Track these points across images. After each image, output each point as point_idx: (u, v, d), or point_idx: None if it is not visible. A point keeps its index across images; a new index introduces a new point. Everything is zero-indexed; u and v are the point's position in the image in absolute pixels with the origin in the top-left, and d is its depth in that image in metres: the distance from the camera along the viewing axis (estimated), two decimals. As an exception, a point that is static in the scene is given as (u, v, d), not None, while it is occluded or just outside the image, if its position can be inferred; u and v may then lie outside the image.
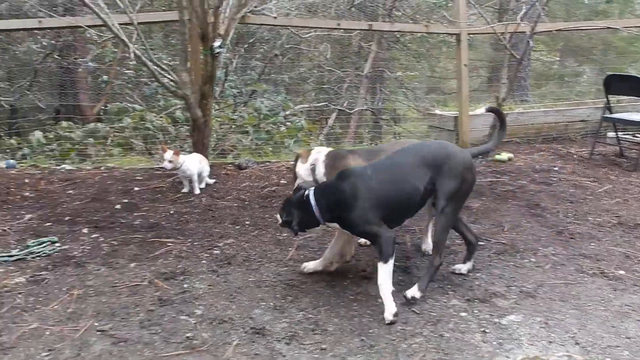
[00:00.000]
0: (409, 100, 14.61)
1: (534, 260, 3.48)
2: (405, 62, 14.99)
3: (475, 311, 2.84)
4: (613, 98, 6.33)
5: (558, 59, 17.61)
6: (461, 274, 3.28)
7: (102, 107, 10.76)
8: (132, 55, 4.37)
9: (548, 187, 5.07)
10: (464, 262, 3.34)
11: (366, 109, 12.00)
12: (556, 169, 5.75)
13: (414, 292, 2.93)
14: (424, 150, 3.11)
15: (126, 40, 4.42)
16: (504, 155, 6.06)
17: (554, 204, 4.59)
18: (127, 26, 5.24)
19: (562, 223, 4.14)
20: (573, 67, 16.33)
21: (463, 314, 2.82)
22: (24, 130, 10.96)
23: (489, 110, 3.61)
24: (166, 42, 11.48)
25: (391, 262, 2.84)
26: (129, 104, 9.74)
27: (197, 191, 4.81)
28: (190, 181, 4.82)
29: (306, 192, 2.96)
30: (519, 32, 6.03)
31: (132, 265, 3.37)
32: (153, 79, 9.87)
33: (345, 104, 11.61)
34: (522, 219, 4.23)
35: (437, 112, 7.38)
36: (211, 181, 5.11)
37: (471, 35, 6.85)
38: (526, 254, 3.57)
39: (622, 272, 3.31)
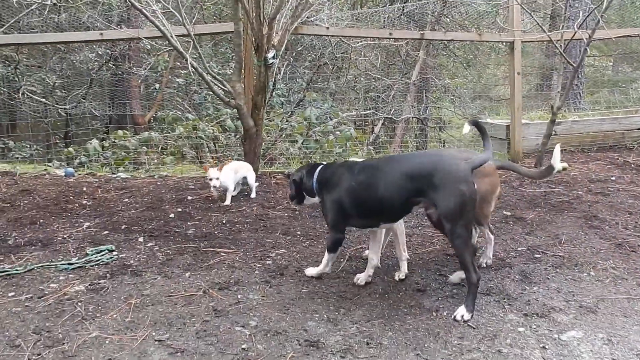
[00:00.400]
0: (456, 107, 14.45)
1: (593, 274, 3.37)
2: (453, 69, 14.83)
3: (534, 326, 2.77)
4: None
5: (611, 63, 17.06)
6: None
7: (153, 115, 11.09)
8: (189, 67, 4.47)
9: (605, 198, 4.90)
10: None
11: (412, 117, 11.91)
12: (613, 178, 5.56)
13: (462, 312, 2.87)
14: (413, 161, 3.10)
15: (183, 52, 4.53)
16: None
17: (612, 215, 4.44)
18: (182, 37, 5.39)
19: (621, 235, 4.00)
20: (627, 73, 15.78)
21: (521, 329, 2.75)
22: (78, 138, 11.42)
23: (472, 123, 3.37)
24: (215, 51, 11.73)
25: (331, 255, 3.28)
26: (179, 112, 10.01)
27: (229, 202, 4.83)
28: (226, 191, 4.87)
29: (319, 166, 3.38)
30: (575, 39, 5.86)
31: (187, 274, 3.44)
32: (203, 87, 10.15)
33: (392, 112, 11.57)
34: (579, 231, 4.11)
35: (488, 120, 7.25)
36: (256, 184, 5.14)
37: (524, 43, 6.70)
38: (585, 267, 3.46)
39: (689, 288, 3.17)
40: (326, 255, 3.32)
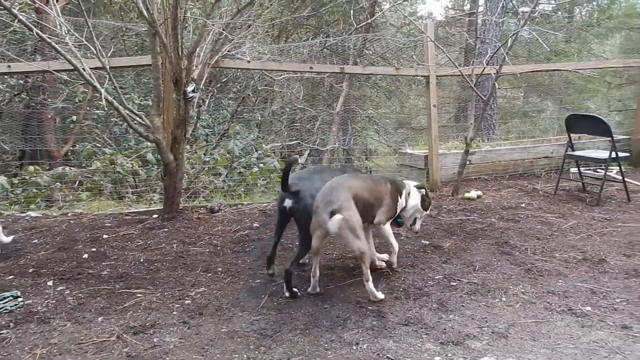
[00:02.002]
0: (380, 136, 14.86)
1: (505, 300, 3.52)
2: (376, 100, 15.30)
3: (450, 354, 2.84)
4: (575, 135, 6.56)
5: (522, 95, 18.14)
6: None
7: (70, 149, 10.62)
8: (103, 101, 4.34)
9: (516, 225, 5.17)
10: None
11: (338, 147, 12.12)
12: (523, 205, 5.87)
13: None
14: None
15: (98, 85, 4.40)
16: (473, 193, 6.17)
17: (522, 241, 4.68)
18: (98, 70, 5.24)
19: (530, 260, 4.21)
20: (536, 104, 16.85)
21: (437, 358, 2.81)
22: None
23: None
24: (137, 81, 11.48)
25: None
26: (98, 145, 9.64)
27: None
28: None
29: None
30: (485, 73, 6.21)
31: (100, 319, 3.28)
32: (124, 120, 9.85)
33: (317, 142, 11.73)
34: (492, 257, 4.29)
35: (408, 151, 7.49)
36: (8, 239, 4.43)
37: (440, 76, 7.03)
38: (497, 293, 3.61)
39: (588, 308, 3.37)
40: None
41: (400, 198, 3.96)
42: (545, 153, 7.56)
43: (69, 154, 10.78)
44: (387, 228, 3.93)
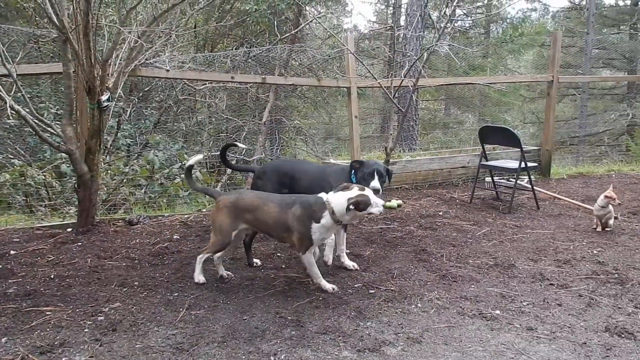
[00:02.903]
0: (308, 147, 14.98)
1: (420, 306, 3.63)
2: (303, 110, 15.42)
3: (366, 362, 2.90)
4: (490, 146, 6.90)
5: (443, 107, 18.90)
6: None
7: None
8: (8, 110, 4.12)
9: (434, 232, 5.36)
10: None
11: (265, 157, 12.10)
12: (441, 213, 6.10)
13: None
14: None
15: (3, 93, 4.17)
16: (394, 202, 6.29)
17: (438, 248, 4.85)
18: (4, 77, 4.99)
19: (445, 267, 4.38)
20: (457, 116, 17.61)
21: (352, 366, 2.86)
22: None
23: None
24: (55, 89, 10.98)
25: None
26: (10, 157, 9.11)
27: None
28: None
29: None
30: (403, 85, 6.41)
31: (4, 340, 3.09)
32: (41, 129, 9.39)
33: (243, 152, 11.65)
34: (409, 265, 4.42)
35: (332, 161, 7.59)
36: None
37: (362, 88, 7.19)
38: (413, 300, 3.72)
39: (498, 311, 3.54)
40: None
41: None
42: (462, 163, 7.90)
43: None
44: None
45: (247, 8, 11.88)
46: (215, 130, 12.78)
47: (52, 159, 7.19)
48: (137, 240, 5.00)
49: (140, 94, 11.01)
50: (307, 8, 13.75)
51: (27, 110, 4.66)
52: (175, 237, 5.15)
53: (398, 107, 6.19)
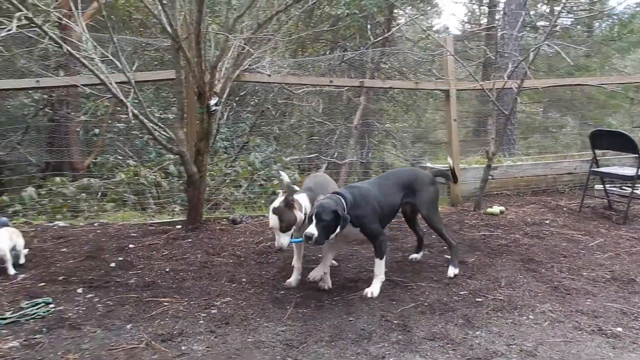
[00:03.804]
0: (398, 151, 14.87)
1: (532, 318, 3.48)
2: (393, 113, 15.33)
3: (477, 371, 2.83)
4: (599, 151, 6.50)
5: (541, 109, 18.06)
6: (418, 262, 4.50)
7: (93, 161, 10.78)
8: (130, 115, 4.42)
9: (541, 241, 5.12)
10: (417, 252, 4.61)
11: (356, 160, 12.16)
12: (547, 222, 5.83)
13: (452, 271, 4.18)
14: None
15: (124, 99, 4.48)
16: (496, 209, 6.14)
17: (548, 258, 4.63)
18: (123, 84, 5.34)
19: (557, 278, 4.17)
20: (556, 119, 16.75)
21: (465, 375, 2.80)
22: (12, 185, 10.91)
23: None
24: (157, 95, 11.65)
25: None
26: (120, 158, 9.76)
27: (12, 271, 4.19)
28: (3, 261, 4.21)
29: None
30: (505, 88, 6.21)
31: (129, 326, 3.32)
32: (145, 132, 9.99)
33: (335, 155, 11.77)
34: (517, 274, 4.25)
35: (428, 165, 7.49)
36: (25, 251, 4.51)
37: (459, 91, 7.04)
38: (524, 311, 3.58)
39: (619, 329, 3.32)
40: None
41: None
42: (568, 169, 7.50)
43: (91, 165, 10.95)
44: None
45: (339, 12, 12.00)
46: (308, 133, 13.02)
47: (161, 160, 7.63)
48: (242, 239, 5.19)
49: (237, 98, 11.43)
50: (398, 10, 13.69)
51: (143, 114, 4.96)
52: (277, 236, 5.28)
53: (502, 110, 6.00)
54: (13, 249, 4.29)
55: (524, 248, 4.91)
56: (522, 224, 5.74)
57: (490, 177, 6.46)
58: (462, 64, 6.74)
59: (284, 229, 3.59)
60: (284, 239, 3.60)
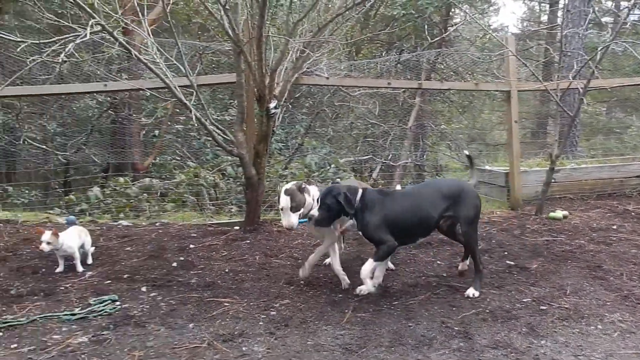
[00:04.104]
0: (452, 152, 14.62)
1: (601, 327, 3.34)
2: (449, 114, 15.08)
3: (544, 383, 2.74)
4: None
5: (604, 109, 17.34)
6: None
7: (152, 161, 11.15)
8: (193, 118, 4.53)
9: (608, 247, 4.91)
10: (462, 261, 4.25)
11: (410, 162, 12.03)
12: (615, 227, 5.57)
13: (472, 291, 3.85)
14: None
15: (188, 103, 4.60)
16: (559, 213, 5.92)
17: (616, 265, 4.43)
18: (184, 87, 5.48)
19: (626, 286, 3.98)
20: (620, 119, 16.03)
21: (530, 386, 2.72)
22: (76, 184, 11.42)
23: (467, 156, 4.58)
24: (213, 97, 11.91)
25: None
26: (177, 159, 10.04)
27: (80, 269, 4.34)
28: (72, 258, 4.37)
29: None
30: (571, 88, 5.99)
31: (191, 325, 3.40)
32: (202, 133, 10.24)
33: (389, 157, 11.68)
34: (583, 282, 4.09)
35: (487, 167, 7.31)
36: (92, 249, 4.65)
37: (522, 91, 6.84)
38: (592, 320, 3.44)
39: (696, 342, 3.14)
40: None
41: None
42: (636, 172, 7.14)
43: (151, 166, 11.32)
44: None
45: (395, 13, 11.89)
46: (361, 134, 12.98)
47: (219, 162, 7.79)
48: (299, 241, 5.22)
49: (292, 100, 11.53)
50: (454, 9, 13.44)
51: (204, 117, 5.07)
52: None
53: (566, 111, 5.79)
54: (81, 247, 4.47)
55: (590, 254, 4.71)
56: (587, 229, 5.51)
57: (553, 180, 6.24)
58: (524, 64, 6.54)
59: (294, 209, 3.79)
60: (294, 218, 3.80)
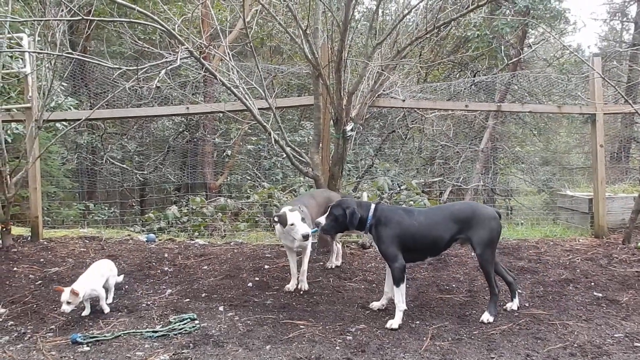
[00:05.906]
0: (525, 175, 14.12)
1: None
2: (522, 137, 14.60)
3: None
4: None
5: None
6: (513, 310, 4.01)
7: (224, 180, 11.48)
8: (272, 141, 4.62)
9: None
10: (512, 300, 4.07)
11: (482, 185, 11.73)
12: None
13: (487, 317, 3.80)
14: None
15: (267, 126, 4.70)
16: None
17: None
18: (261, 109, 5.61)
19: None
20: None
21: None
22: (152, 202, 11.89)
23: None
24: (282, 118, 12.13)
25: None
26: (248, 178, 10.25)
27: (107, 310, 3.99)
28: (98, 300, 4.00)
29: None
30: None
31: (268, 347, 3.41)
32: (272, 153, 10.45)
33: (461, 179, 11.44)
34: (683, 318, 3.80)
35: (568, 192, 7.00)
36: (120, 278, 4.43)
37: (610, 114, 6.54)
38: (697, 363, 3.18)
39: None
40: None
41: None
42: None
43: (222, 185, 11.65)
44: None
45: (469, 34, 11.72)
46: (431, 156, 12.80)
47: (290, 182, 7.90)
48: (373, 264, 5.17)
49: (362, 122, 11.55)
50: (531, 30, 13.09)
51: (283, 141, 5.15)
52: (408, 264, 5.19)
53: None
54: (106, 281, 4.13)
55: (688, 288, 4.38)
56: (684, 261, 5.14)
57: (641, 207, 5.87)
58: (614, 87, 6.24)
59: (303, 220, 4.25)
60: (307, 227, 4.22)
